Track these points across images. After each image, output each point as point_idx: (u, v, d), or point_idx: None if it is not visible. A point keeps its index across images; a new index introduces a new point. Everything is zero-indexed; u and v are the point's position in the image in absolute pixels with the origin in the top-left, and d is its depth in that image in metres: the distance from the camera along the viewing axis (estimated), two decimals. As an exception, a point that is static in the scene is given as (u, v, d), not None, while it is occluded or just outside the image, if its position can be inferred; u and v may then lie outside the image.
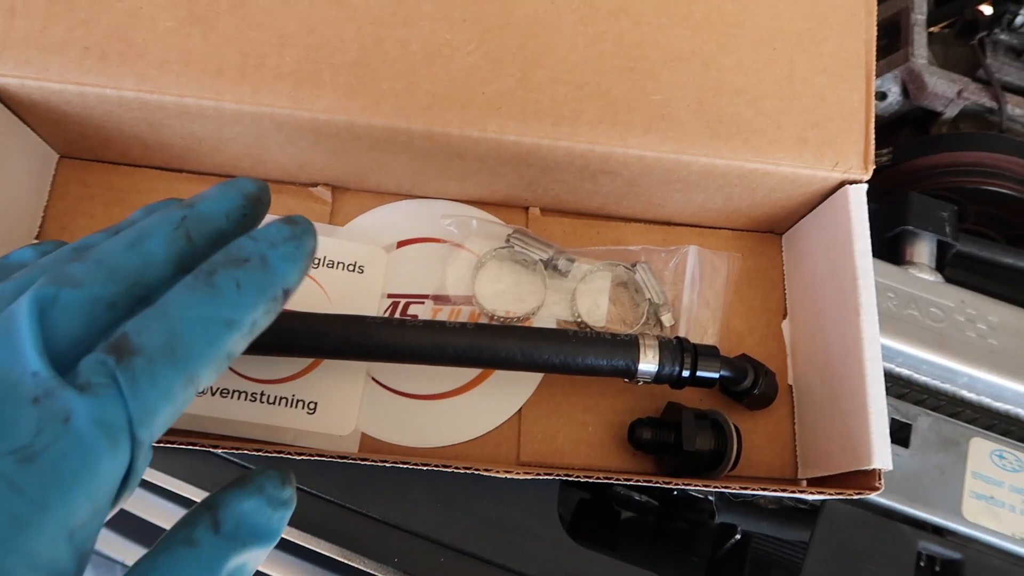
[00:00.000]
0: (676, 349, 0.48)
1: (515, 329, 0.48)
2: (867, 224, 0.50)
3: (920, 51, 0.78)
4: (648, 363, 0.48)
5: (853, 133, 0.52)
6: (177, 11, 0.47)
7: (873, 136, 0.51)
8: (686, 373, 0.48)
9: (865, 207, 0.50)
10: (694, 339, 0.54)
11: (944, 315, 0.57)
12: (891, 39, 0.84)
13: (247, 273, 0.29)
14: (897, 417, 0.54)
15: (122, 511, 0.67)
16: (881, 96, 0.81)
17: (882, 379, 0.46)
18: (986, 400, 0.56)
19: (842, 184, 0.52)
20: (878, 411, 0.46)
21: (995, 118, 0.78)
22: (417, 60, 0.49)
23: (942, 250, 0.63)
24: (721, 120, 0.51)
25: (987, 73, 0.78)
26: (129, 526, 0.69)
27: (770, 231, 0.59)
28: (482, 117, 0.49)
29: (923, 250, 0.61)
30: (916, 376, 0.57)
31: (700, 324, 0.55)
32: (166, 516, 0.64)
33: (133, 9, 0.47)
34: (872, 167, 0.51)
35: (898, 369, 0.57)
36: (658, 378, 0.48)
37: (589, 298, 0.55)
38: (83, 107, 0.48)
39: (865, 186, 0.51)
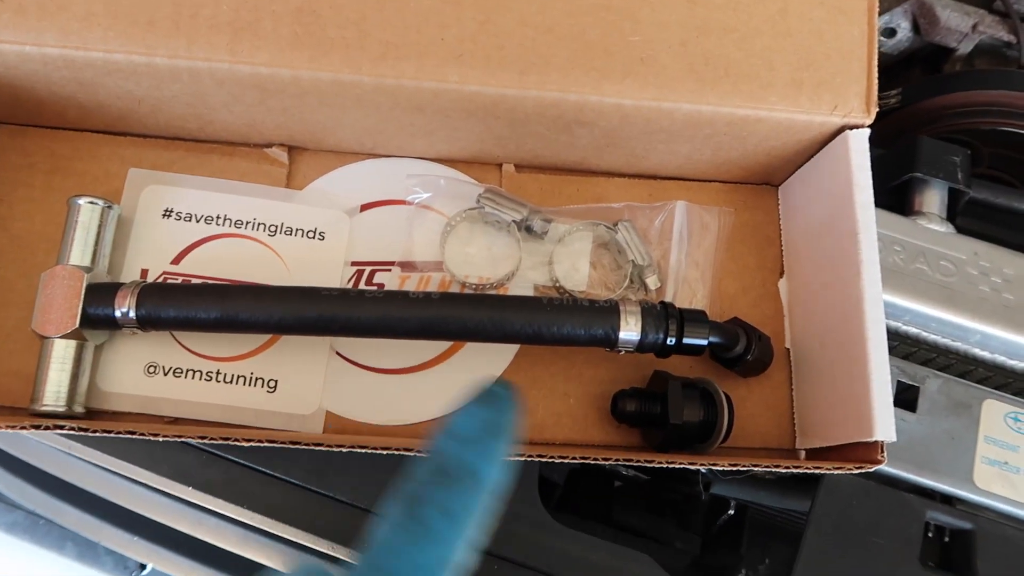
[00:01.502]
0: (660, 315, 0.44)
1: (484, 298, 0.44)
2: (869, 173, 0.45)
3: (931, -19, 0.73)
4: (630, 331, 0.44)
5: (853, 73, 0.47)
6: (99, -44, 0.43)
7: (876, 76, 0.46)
8: (671, 341, 0.44)
9: (867, 154, 0.46)
10: (682, 302, 0.50)
11: (955, 268, 0.52)
12: (902, -27, 0.78)
13: (455, 495, 0.28)
14: (904, 379, 0.50)
15: (109, 503, 0.65)
16: (889, 32, 0.75)
17: (885, 343, 0.42)
18: (1000, 358, 0.52)
19: (842, 130, 0.47)
20: (880, 378, 0.41)
21: (1013, 53, 0.72)
22: (367, 4, 0.45)
23: (954, 198, 0.58)
24: (707, 62, 0.46)
25: (1005, 4, 0.72)
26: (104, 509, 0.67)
27: (765, 183, 0.55)
28: (441, 66, 0.44)
29: (933, 199, 0.56)
30: (925, 334, 0.52)
31: (689, 286, 0.51)
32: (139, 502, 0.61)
33: (49, -44, 0.43)
34: (875, 110, 0.46)
35: (905, 327, 0.52)
36: (641, 347, 0.45)
37: (568, 261, 0.51)
38: (4, 67, 0.44)
39: (867, 131, 0.46)
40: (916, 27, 0.74)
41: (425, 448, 0.31)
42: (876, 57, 0.47)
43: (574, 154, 0.52)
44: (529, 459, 0.44)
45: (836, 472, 0.43)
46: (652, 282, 0.50)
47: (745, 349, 0.47)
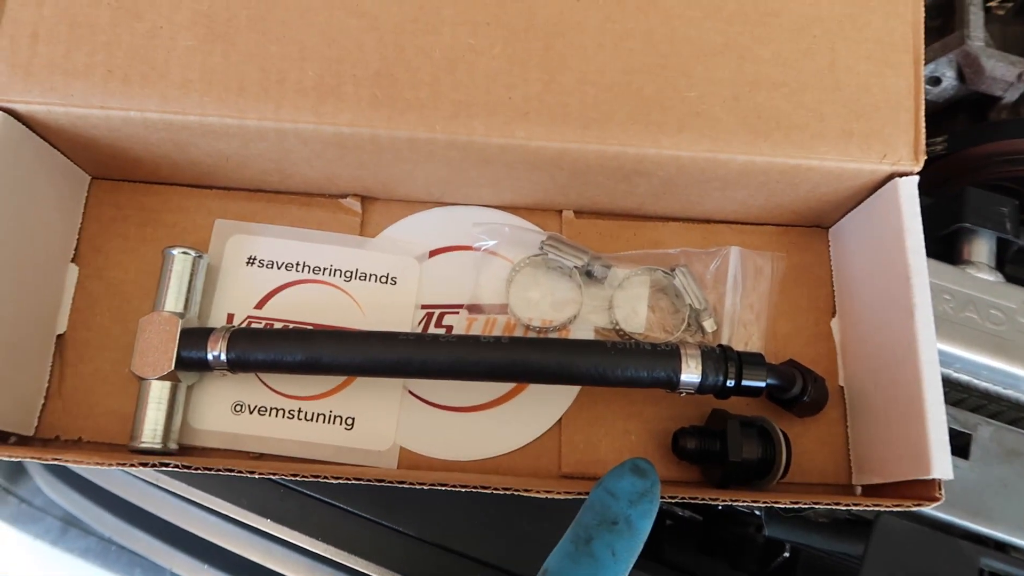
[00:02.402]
0: (720, 358, 0.46)
1: (551, 342, 0.47)
2: (919, 219, 0.47)
3: (976, 32, 0.74)
4: (691, 374, 0.46)
5: (901, 122, 0.49)
6: (197, 29, 0.47)
7: (923, 125, 0.48)
8: (731, 383, 0.46)
9: (916, 201, 0.48)
10: (738, 344, 0.52)
11: (1005, 317, 0.54)
12: (945, 19, 0.80)
13: (619, 539, 0.35)
14: (955, 426, 0.51)
15: (171, 525, 0.68)
16: (935, 81, 0.77)
17: (940, 384, 0.43)
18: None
19: (891, 177, 0.49)
20: (936, 418, 0.43)
21: (1058, 99, 0.74)
22: (440, 67, 0.48)
23: (1002, 247, 0.59)
24: (759, 115, 0.48)
25: (1048, 52, 0.73)
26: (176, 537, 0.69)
27: (816, 225, 0.57)
28: (509, 123, 0.47)
29: (982, 248, 0.58)
30: (976, 382, 0.53)
31: (744, 328, 0.53)
32: (212, 530, 0.64)
33: (153, 30, 0.47)
34: (923, 158, 0.48)
35: (956, 375, 0.54)
36: (702, 388, 0.47)
37: (627, 305, 0.53)
38: (109, 130, 0.48)
39: (916, 178, 0.48)
40: (961, 76, 0.76)
41: (588, 501, 0.37)
42: (923, 108, 0.49)
43: (631, 201, 0.54)
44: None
45: (894, 510, 0.45)
46: (708, 325, 0.53)
47: (802, 391, 0.49)
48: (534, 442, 0.52)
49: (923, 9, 0.50)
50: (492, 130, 0.48)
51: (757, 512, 0.54)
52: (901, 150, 0.48)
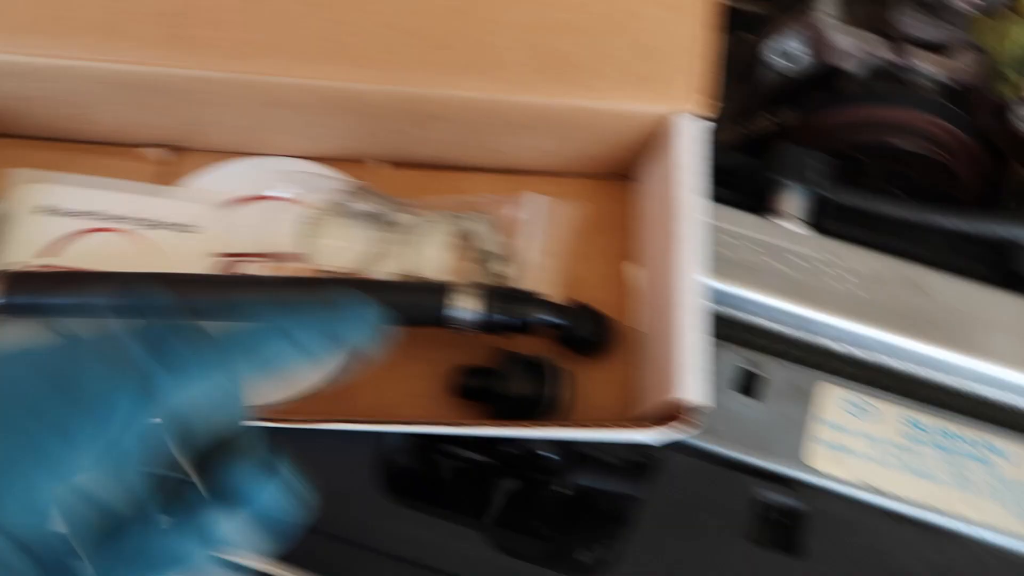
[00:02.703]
0: (488, 293, 0.46)
1: (300, 279, 0.47)
2: (697, 158, 0.47)
3: (825, 6, 0.76)
4: (463, 310, 0.46)
5: (685, 66, 0.49)
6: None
7: (708, 68, 0.49)
8: (500, 317, 0.46)
9: (698, 140, 0.48)
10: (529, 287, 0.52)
11: (807, 265, 0.54)
12: (804, 2, 0.82)
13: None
14: (747, 367, 0.51)
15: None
16: (787, 55, 0.78)
17: (699, 309, 0.43)
18: (850, 349, 0.53)
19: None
20: (692, 341, 0.43)
21: (906, 76, 0.75)
22: (232, 6, 0.48)
23: (822, 204, 0.60)
24: (553, 58, 0.49)
25: (893, 27, 0.75)
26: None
27: (624, 176, 0.57)
28: (303, 64, 0.48)
29: (793, 202, 0.58)
30: (775, 326, 0.53)
31: (544, 275, 0.53)
32: None
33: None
34: (708, 100, 0.48)
35: (756, 320, 0.54)
36: (471, 324, 0.46)
37: (428, 252, 0.53)
38: None
39: (695, 119, 0.48)
40: (812, 51, 0.77)
41: None
42: (709, 51, 0.49)
43: (434, 149, 0.54)
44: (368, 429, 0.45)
45: (655, 438, 0.44)
46: (506, 271, 0.52)
47: (583, 326, 0.49)
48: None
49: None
50: (286, 70, 0.48)
51: (553, 456, 0.53)
52: (685, 92, 0.49)
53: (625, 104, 0.49)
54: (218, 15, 0.48)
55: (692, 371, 0.42)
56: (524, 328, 0.47)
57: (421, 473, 0.51)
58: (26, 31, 0.47)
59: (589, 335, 0.48)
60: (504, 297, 0.46)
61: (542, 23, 0.49)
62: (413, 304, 0.45)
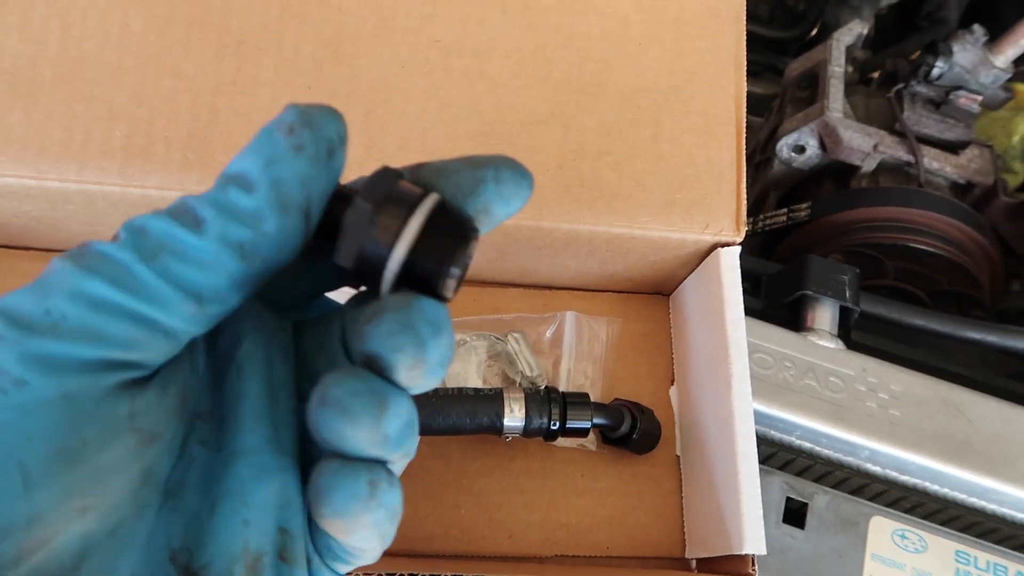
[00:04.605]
0: (543, 399, 0.46)
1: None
2: (739, 290, 0.47)
3: (835, 104, 0.76)
4: (514, 418, 0.45)
5: (723, 193, 0.49)
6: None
7: (745, 195, 0.49)
8: (556, 424, 0.45)
9: (738, 271, 0.47)
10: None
11: (843, 384, 0.53)
12: (812, 90, 0.82)
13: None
14: (793, 496, 0.50)
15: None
16: (799, 150, 0.78)
17: (754, 457, 0.43)
18: (892, 474, 0.52)
19: (714, 247, 0.49)
20: (750, 492, 0.42)
21: (914, 171, 0.75)
22: (256, 131, 0.47)
23: (845, 315, 0.60)
24: (583, 184, 0.48)
25: (902, 125, 0.76)
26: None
27: (657, 292, 0.56)
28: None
29: (823, 315, 0.58)
30: (817, 449, 0.53)
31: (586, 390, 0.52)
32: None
33: (-54, 86, 0.45)
34: (744, 228, 0.48)
35: (798, 442, 0.53)
36: (527, 432, 0.45)
37: (461, 371, 0.52)
38: (-96, 189, 0.46)
39: (737, 249, 0.48)
40: (823, 145, 0.77)
41: None
42: (745, 179, 0.49)
43: (473, 269, 0.53)
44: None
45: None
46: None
47: (632, 427, 0.48)
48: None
49: (746, 83, 0.50)
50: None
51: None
52: (723, 220, 0.48)
53: (667, 232, 0.48)
54: (244, 138, 0.47)
55: (754, 523, 0.41)
56: (575, 433, 0.47)
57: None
58: (40, 153, 0.45)
59: (643, 431, 0.48)
60: (558, 402, 0.46)
61: (575, 148, 0.49)
62: (469, 415, 0.44)
